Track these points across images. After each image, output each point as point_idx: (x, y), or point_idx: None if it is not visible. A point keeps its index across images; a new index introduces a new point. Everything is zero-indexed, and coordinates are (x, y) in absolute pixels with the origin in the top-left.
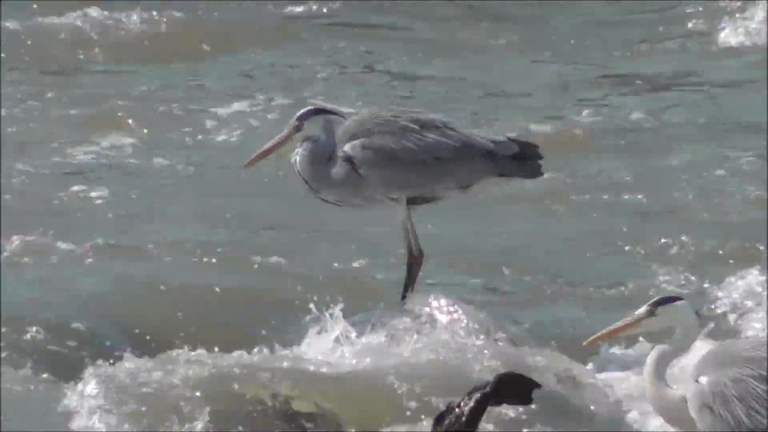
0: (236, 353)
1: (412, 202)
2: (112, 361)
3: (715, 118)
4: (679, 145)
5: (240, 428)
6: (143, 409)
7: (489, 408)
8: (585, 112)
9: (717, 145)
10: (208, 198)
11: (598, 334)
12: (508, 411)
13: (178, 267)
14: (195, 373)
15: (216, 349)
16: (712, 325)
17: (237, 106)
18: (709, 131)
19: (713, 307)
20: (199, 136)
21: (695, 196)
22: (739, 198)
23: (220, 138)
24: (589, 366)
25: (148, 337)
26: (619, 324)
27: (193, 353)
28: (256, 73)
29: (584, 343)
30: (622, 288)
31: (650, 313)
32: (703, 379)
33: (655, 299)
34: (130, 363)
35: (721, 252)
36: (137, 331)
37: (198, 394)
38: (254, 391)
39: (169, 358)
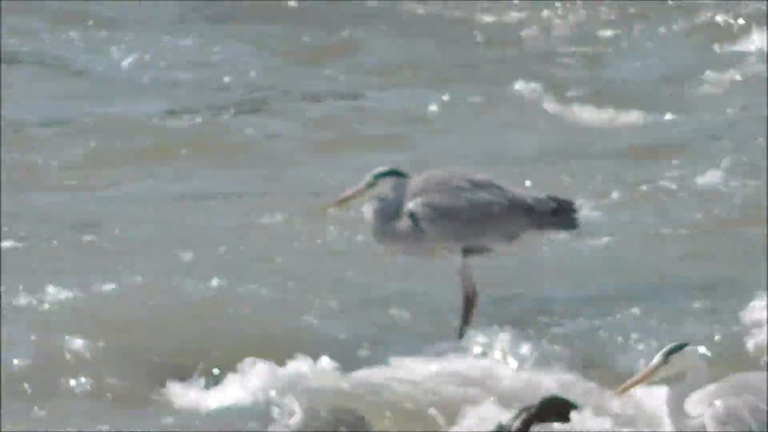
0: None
1: (467, 252)
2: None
3: None
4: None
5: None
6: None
7: (533, 428)
8: None
9: None
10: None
11: (626, 384)
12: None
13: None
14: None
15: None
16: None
17: None
18: None
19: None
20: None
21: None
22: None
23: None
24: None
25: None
26: (639, 375)
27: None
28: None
29: (615, 394)
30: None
31: (665, 362)
32: (718, 402)
33: (666, 348)
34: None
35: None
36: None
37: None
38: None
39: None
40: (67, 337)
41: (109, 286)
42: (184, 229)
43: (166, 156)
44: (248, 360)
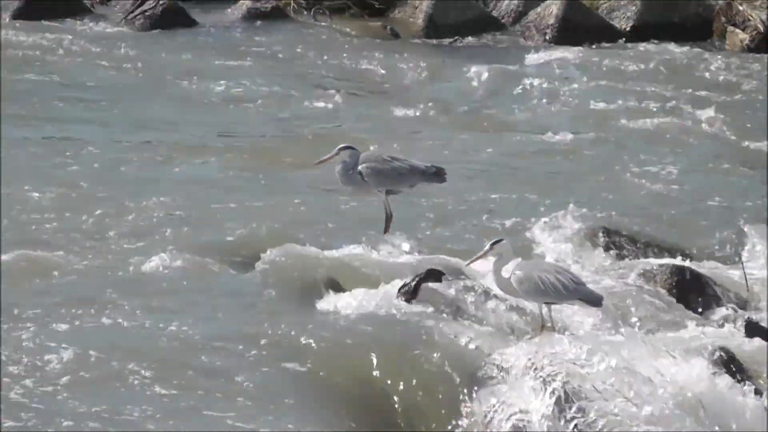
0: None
1: (388, 193)
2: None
3: None
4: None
5: None
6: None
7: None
8: None
9: None
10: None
11: (471, 260)
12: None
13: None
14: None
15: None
16: (520, 258)
17: None
18: None
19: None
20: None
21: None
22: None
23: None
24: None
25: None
26: (477, 256)
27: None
28: None
29: (465, 265)
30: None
31: (490, 248)
32: (519, 270)
33: (492, 241)
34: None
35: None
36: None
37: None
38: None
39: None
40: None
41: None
42: None
43: None
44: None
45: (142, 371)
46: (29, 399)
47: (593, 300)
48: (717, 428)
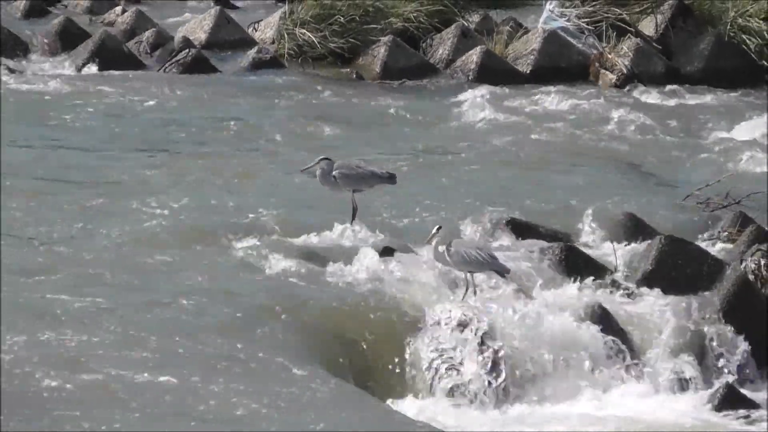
0: None
1: (354, 191)
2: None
3: None
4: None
5: None
6: None
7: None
8: None
9: None
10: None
11: (428, 239)
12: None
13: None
14: None
15: None
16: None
17: None
18: None
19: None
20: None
21: None
22: None
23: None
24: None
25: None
26: (429, 237)
27: None
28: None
29: (425, 241)
30: None
31: (436, 231)
32: (450, 246)
33: (437, 225)
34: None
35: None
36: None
37: None
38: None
39: None
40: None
41: None
42: None
43: None
44: None
45: (147, 353)
46: (34, 388)
47: (503, 270)
48: (587, 361)
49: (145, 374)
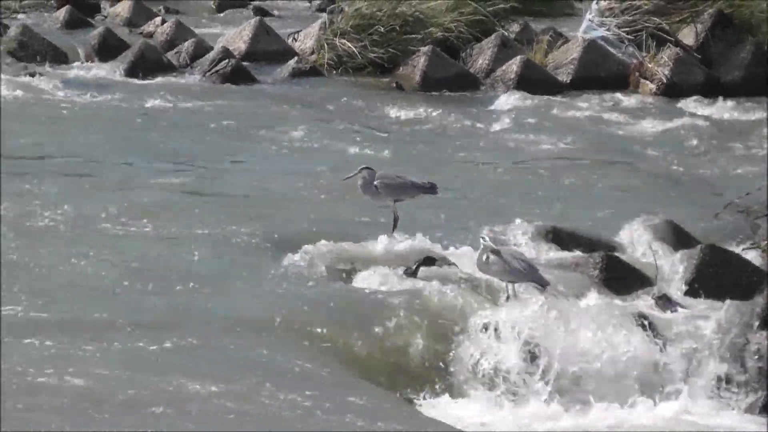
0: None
1: (396, 201)
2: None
3: None
4: None
5: None
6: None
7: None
8: None
9: None
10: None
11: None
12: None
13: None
14: None
15: None
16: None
17: None
18: None
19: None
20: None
21: None
22: None
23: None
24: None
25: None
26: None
27: None
28: None
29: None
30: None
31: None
32: (492, 256)
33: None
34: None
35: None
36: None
37: None
38: None
39: None
40: None
41: None
42: None
43: None
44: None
45: (188, 358)
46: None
47: (542, 282)
48: (640, 379)
49: (187, 380)
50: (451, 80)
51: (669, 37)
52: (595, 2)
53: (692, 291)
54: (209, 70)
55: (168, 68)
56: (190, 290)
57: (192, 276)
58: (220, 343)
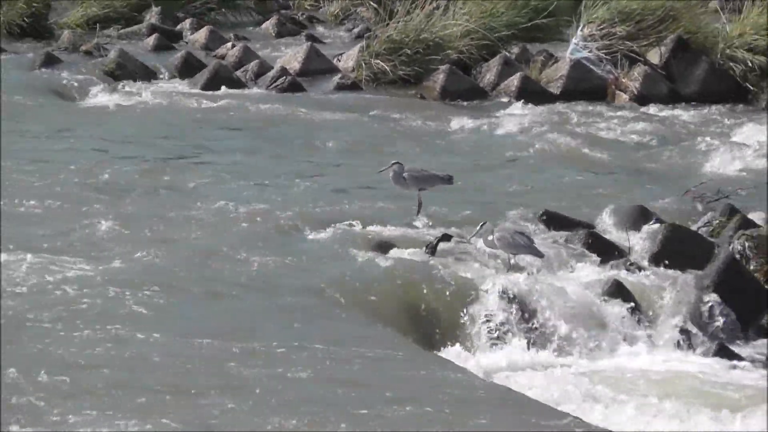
0: None
1: (420, 190)
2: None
3: None
4: None
5: None
6: None
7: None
8: None
9: None
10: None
11: (471, 235)
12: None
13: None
14: None
15: None
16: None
17: None
18: None
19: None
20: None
21: None
22: None
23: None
24: None
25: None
26: (474, 232)
27: None
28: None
29: (469, 237)
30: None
31: (482, 227)
32: (497, 233)
33: (481, 223)
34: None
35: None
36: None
37: None
38: None
39: None
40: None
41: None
42: None
43: None
44: None
45: (229, 330)
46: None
47: (539, 254)
48: (617, 330)
49: (228, 345)
50: (465, 92)
51: (639, 57)
52: (579, 29)
53: (657, 261)
54: (270, 85)
55: (237, 83)
56: (265, 262)
57: (270, 250)
58: (287, 306)
